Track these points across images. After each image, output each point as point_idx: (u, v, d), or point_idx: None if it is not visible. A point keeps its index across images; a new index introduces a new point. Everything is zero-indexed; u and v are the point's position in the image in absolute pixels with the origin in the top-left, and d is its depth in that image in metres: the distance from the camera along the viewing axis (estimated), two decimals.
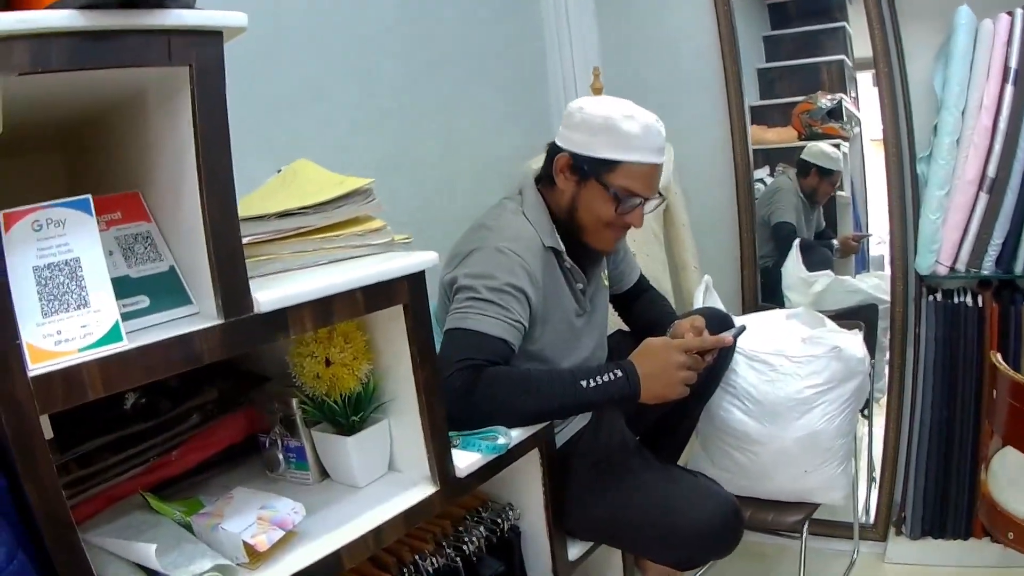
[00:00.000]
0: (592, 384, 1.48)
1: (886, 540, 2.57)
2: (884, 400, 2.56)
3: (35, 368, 0.86)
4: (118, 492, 1.26)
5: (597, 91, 2.44)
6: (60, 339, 0.90)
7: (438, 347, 1.41)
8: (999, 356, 1.73)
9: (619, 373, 1.49)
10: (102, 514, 1.23)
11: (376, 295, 1.21)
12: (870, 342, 2.31)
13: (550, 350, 1.69)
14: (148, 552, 1.03)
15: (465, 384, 1.44)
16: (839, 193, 2.73)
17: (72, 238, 0.94)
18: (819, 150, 2.68)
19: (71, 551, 0.90)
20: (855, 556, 2.57)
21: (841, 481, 2.10)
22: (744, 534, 2.70)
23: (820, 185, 2.71)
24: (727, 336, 1.61)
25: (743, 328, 1.66)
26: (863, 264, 2.73)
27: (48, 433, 0.90)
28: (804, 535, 2.19)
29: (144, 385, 1.30)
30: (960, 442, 2.36)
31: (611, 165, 1.62)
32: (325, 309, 1.14)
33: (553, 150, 1.70)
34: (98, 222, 0.98)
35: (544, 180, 1.74)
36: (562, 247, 1.68)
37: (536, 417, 1.52)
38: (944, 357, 2.33)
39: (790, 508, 2.12)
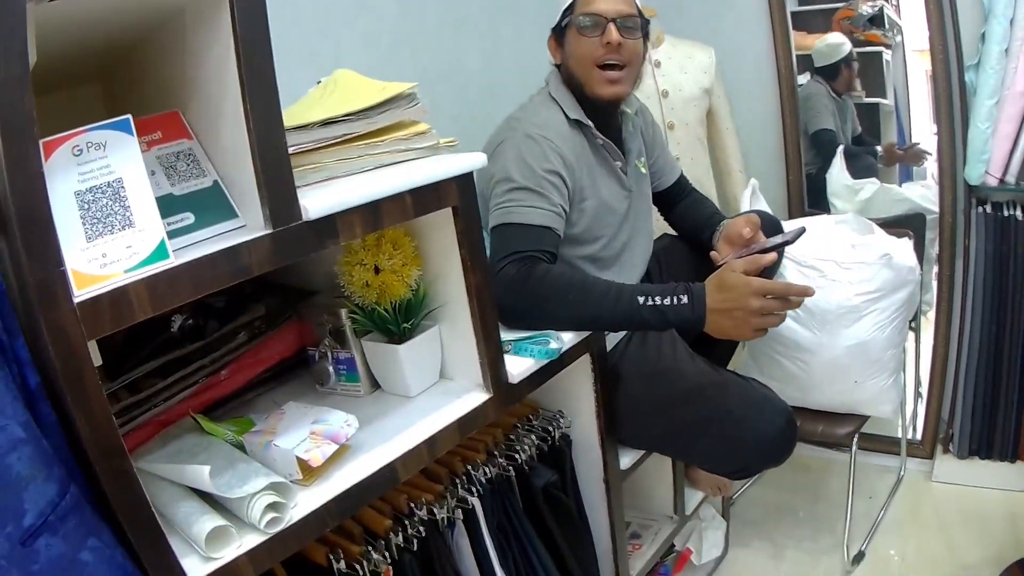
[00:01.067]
0: (651, 303, 1.41)
1: (933, 458, 2.55)
2: (932, 313, 2.51)
3: (81, 294, 0.84)
4: (169, 416, 1.26)
5: None
6: (105, 262, 0.88)
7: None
8: None
9: (684, 299, 1.40)
10: (153, 440, 1.23)
11: (425, 198, 1.18)
12: (918, 253, 2.27)
13: (591, 231, 1.67)
14: (202, 474, 1.02)
15: (518, 275, 1.42)
16: (882, 102, 2.65)
17: (114, 159, 0.92)
18: (825, 47, 2.62)
19: (124, 479, 0.89)
20: (902, 473, 2.56)
21: (891, 394, 2.10)
22: None
23: (849, 75, 2.65)
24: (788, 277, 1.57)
25: (803, 229, 1.57)
26: (908, 174, 2.66)
27: (97, 360, 0.88)
28: (854, 448, 2.18)
29: (191, 307, 1.31)
30: (1009, 359, 2.32)
31: (569, 10, 1.68)
32: (374, 213, 1.12)
33: None
34: (140, 143, 0.96)
35: (559, 69, 1.76)
36: (589, 122, 1.67)
37: (586, 324, 1.48)
38: (994, 271, 2.28)
39: (840, 420, 2.12)
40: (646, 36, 1.69)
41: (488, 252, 1.42)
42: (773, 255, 1.46)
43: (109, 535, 0.93)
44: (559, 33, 1.71)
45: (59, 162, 0.88)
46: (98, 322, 0.85)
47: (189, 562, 0.97)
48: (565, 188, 1.57)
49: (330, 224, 1.06)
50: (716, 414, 1.56)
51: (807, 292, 1.41)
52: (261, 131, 0.98)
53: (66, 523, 0.88)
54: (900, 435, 2.52)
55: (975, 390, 2.38)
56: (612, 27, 1.60)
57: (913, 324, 2.45)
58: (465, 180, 1.23)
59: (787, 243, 1.59)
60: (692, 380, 1.63)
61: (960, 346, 2.40)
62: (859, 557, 2.22)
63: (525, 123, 1.61)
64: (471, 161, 1.24)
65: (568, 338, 1.45)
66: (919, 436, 2.60)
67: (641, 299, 1.42)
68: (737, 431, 1.53)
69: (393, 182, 1.14)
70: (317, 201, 1.04)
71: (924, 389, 2.59)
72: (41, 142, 0.83)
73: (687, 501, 2.05)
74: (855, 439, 2.14)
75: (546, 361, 1.40)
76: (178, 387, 1.27)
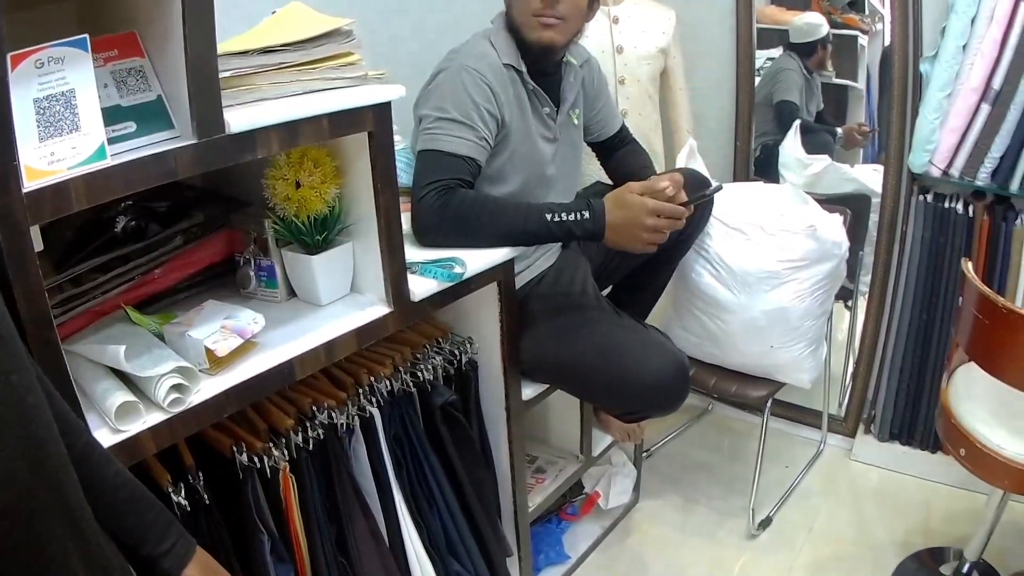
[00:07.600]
0: (557, 219, 1.56)
1: (854, 436, 2.64)
2: None
3: (30, 185, 0.96)
4: (105, 308, 1.37)
5: None
6: (53, 160, 1.01)
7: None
8: (970, 265, 1.74)
9: (586, 215, 1.55)
10: (88, 328, 1.34)
11: (341, 122, 1.28)
12: (858, 233, 2.33)
13: (512, 170, 1.75)
14: (117, 354, 1.15)
15: (438, 202, 1.54)
16: (853, 85, 2.70)
17: (69, 73, 1.03)
18: (804, 24, 2.66)
19: (49, 348, 1.01)
20: (822, 447, 2.67)
21: (807, 363, 2.16)
22: (714, 407, 2.79)
23: (823, 54, 2.71)
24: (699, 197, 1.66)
25: (719, 187, 1.71)
26: (871, 159, 2.70)
27: (38, 245, 1.01)
28: (766, 413, 2.27)
29: (135, 209, 1.40)
30: (937, 349, 2.37)
31: None
32: (292, 132, 1.22)
33: None
34: (96, 59, 1.08)
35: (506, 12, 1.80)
36: (523, 67, 1.73)
37: (501, 239, 1.60)
38: (929, 259, 2.32)
39: (756, 383, 2.20)
40: None
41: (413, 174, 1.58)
42: (667, 183, 1.57)
43: None
44: None
45: (23, 73, 0.99)
46: (41, 209, 0.97)
47: (100, 433, 1.09)
48: (493, 122, 1.65)
49: (250, 138, 1.17)
50: (608, 353, 1.66)
51: (686, 211, 1.59)
52: (195, 55, 1.09)
53: None
54: (823, 408, 2.61)
55: (900, 375, 2.44)
56: None
57: (849, 304, 2.52)
58: (382, 109, 1.32)
59: (703, 198, 1.71)
60: (593, 320, 1.74)
61: (889, 330, 2.46)
62: (766, 522, 2.33)
63: (463, 56, 1.69)
64: (390, 92, 1.33)
65: (475, 266, 1.55)
66: (843, 413, 2.68)
67: (548, 216, 1.56)
68: (626, 371, 1.63)
69: (313, 105, 1.24)
70: (240, 117, 1.15)
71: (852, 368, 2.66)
72: (9, 55, 0.94)
73: (596, 444, 2.15)
74: (768, 403, 2.23)
75: (449, 284, 1.50)
76: (116, 282, 1.37)
